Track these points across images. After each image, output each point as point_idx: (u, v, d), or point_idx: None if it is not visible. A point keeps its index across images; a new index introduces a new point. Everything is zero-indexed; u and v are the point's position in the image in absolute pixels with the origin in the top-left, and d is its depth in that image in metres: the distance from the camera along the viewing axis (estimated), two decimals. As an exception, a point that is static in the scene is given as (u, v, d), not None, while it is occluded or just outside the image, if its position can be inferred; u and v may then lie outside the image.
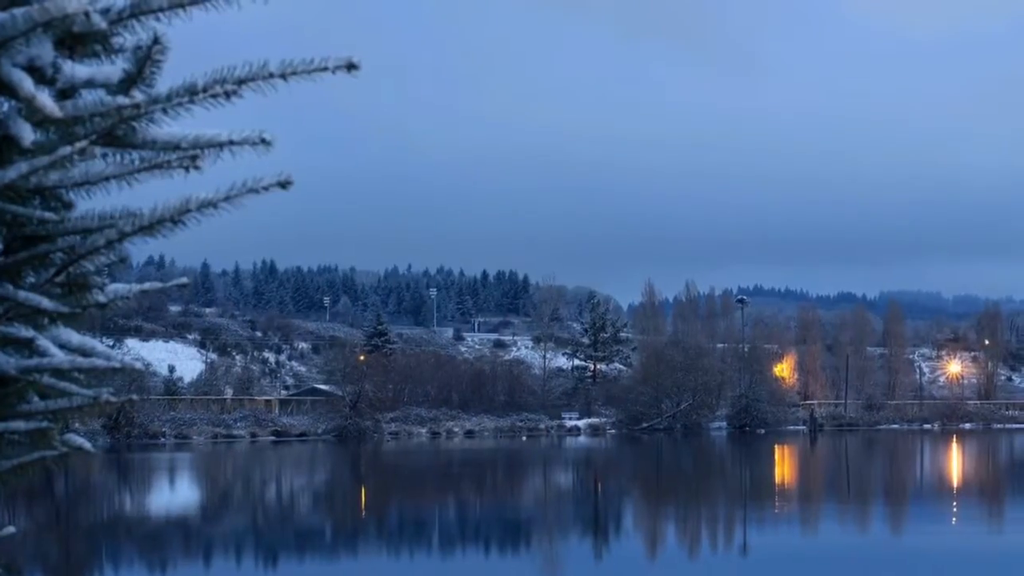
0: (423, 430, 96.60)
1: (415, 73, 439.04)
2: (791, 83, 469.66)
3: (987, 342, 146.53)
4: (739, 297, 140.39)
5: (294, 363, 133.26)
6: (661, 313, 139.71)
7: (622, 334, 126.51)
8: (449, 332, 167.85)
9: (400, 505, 43.04)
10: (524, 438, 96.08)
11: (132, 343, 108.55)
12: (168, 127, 2.96)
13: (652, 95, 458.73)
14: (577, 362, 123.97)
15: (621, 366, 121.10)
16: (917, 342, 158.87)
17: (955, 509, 40.69)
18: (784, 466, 68.58)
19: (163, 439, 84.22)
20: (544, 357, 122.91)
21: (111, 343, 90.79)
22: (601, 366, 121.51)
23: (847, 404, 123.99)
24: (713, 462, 72.61)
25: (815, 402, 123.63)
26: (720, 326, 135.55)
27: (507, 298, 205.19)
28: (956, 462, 70.93)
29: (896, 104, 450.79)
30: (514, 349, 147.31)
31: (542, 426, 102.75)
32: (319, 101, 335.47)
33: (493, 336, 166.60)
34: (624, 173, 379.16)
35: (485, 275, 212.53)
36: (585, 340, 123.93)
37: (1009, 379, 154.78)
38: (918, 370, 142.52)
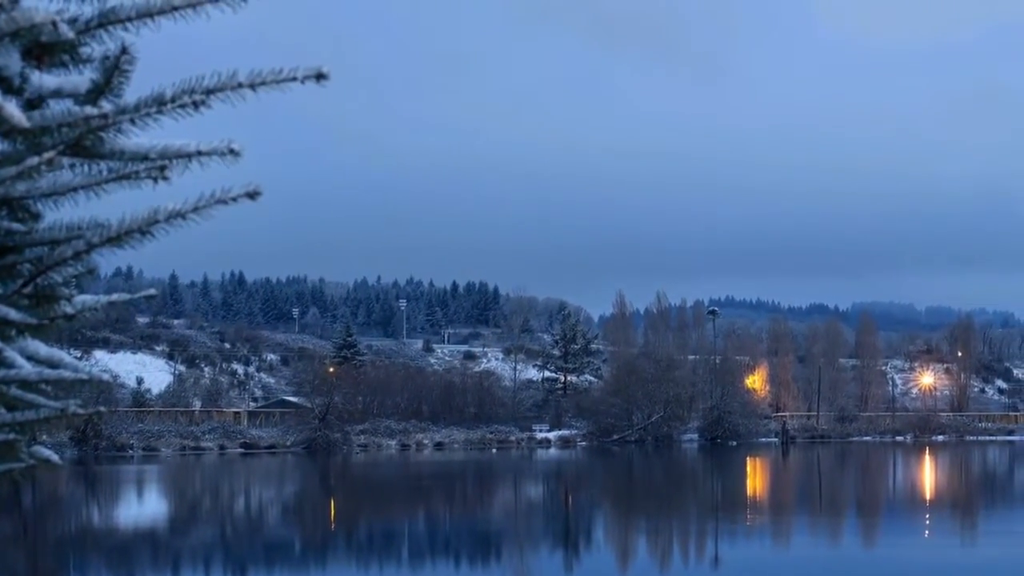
0: (393, 442, 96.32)
1: (384, 82, 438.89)
2: (762, 93, 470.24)
3: (960, 354, 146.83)
4: (710, 308, 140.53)
5: (263, 375, 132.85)
6: (632, 324, 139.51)
7: (593, 345, 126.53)
8: (419, 343, 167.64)
9: (370, 518, 42.94)
10: (494, 450, 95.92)
11: (100, 355, 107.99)
12: (136, 137, 2.94)
13: (622, 105, 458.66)
14: (548, 374, 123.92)
15: (592, 378, 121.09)
16: (890, 354, 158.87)
17: (928, 522, 40.83)
18: (756, 478, 68.70)
19: (131, 451, 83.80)
20: (514, 369, 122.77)
21: (79, 355, 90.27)
22: (572, 378, 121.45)
23: (819, 416, 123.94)
24: (684, 474, 72.68)
25: (787, 414, 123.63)
26: (691, 338, 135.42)
27: (477, 309, 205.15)
28: (929, 474, 71.19)
29: (868, 115, 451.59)
30: (484, 361, 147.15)
31: (512, 438, 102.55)
32: (289, 111, 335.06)
33: (463, 348, 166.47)
34: (594, 183, 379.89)
35: (455, 286, 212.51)
36: (556, 351, 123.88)
37: (982, 391, 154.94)
38: (891, 382, 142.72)
